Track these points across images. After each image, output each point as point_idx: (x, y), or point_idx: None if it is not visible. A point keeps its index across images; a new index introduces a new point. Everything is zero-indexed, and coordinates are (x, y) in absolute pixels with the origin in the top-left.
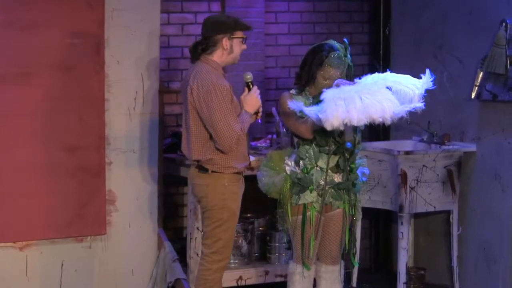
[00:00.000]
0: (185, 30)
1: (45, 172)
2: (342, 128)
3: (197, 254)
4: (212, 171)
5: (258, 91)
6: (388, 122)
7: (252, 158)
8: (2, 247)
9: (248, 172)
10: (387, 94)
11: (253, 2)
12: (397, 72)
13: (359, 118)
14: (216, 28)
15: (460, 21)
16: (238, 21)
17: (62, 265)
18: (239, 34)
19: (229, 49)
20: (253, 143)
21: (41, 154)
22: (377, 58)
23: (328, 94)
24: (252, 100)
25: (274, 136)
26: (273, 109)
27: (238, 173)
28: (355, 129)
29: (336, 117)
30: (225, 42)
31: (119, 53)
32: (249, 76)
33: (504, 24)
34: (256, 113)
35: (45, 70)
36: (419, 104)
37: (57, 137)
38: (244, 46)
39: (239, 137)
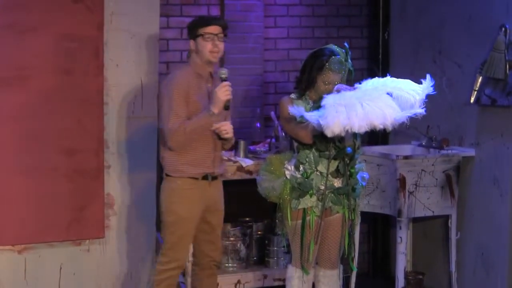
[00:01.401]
0: (184, 34)
1: (43, 175)
2: (343, 134)
3: None
4: (166, 175)
5: (224, 87)
6: (389, 128)
7: (249, 162)
8: (0, 250)
9: (247, 176)
10: (388, 100)
11: (253, 6)
12: (397, 77)
13: (360, 125)
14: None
15: (459, 26)
16: (199, 20)
17: (61, 268)
18: (199, 32)
19: (195, 49)
20: (251, 147)
21: (39, 157)
22: (376, 63)
23: (329, 100)
24: (215, 97)
25: (273, 140)
26: (272, 113)
27: (194, 178)
28: (355, 134)
29: (337, 124)
30: (192, 44)
31: (118, 57)
32: (223, 72)
33: (503, 29)
34: (225, 107)
35: (44, 73)
36: (420, 110)
37: (55, 140)
38: (208, 42)
39: (174, 133)
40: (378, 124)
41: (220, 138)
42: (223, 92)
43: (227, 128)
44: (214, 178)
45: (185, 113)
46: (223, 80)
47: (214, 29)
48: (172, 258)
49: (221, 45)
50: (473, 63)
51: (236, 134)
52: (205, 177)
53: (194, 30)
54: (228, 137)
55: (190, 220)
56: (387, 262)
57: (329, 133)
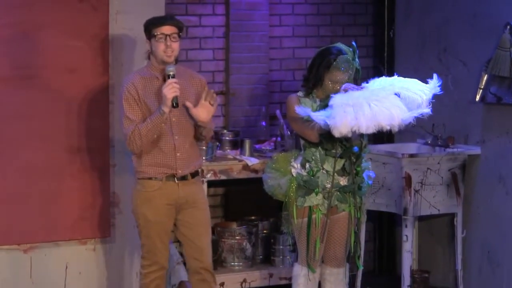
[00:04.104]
0: (190, 32)
1: (49, 174)
2: (350, 135)
3: None
4: (137, 177)
5: (169, 84)
6: (396, 129)
7: (255, 161)
8: (6, 249)
9: (253, 175)
10: (396, 101)
11: (258, 4)
12: (402, 75)
13: (367, 125)
14: None
15: (464, 24)
16: (152, 20)
17: (66, 267)
18: (153, 32)
19: (151, 50)
20: (257, 146)
21: (45, 156)
22: (381, 61)
23: (336, 100)
24: (162, 96)
25: (279, 139)
26: (278, 111)
27: (158, 179)
28: (361, 133)
29: (345, 124)
30: (147, 44)
31: (123, 56)
32: (170, 69)
33: (508, 27)
34: (173, 105)
35: (49, 72)
36: (426, 110)
37: (61, 139)
38: (161, 43)
39: (130, 137)
40: (386, 125)
41: (197, 125)
42: (169, 90)
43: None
44: (183, 178)
45: (139, 115)
46: (171, 77)
47: (166, 29)
48: (152, 261)
49: (174, 45)
50: (479, 61)
51: (241, 133)
52: (171, 178)
53: (148, 30)
54: (204, 120)
55: (158, 222)
56: (393, 260)
57: (336, 134)
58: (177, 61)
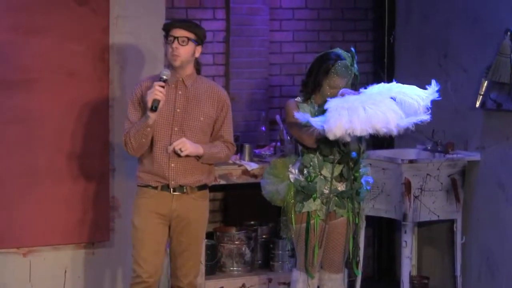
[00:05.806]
0: None
1: (49, 178)
2: (347, 138)
3: (201, 261)
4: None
5: (154, 87)
6: (394, 133)
7: (254, 166)
8: (5, 253)
9: (252, 180)
10: (391, 104)
11: (258, 10)
12: (402, 81)
13: (362, 128)
14: None
15: (465, 30)
16: (166, 23)
17: (66, 271)
18: (166, 34)
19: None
20: (257, 151)
21: (44, 160)
22: (381, 67)
23: (332, 104)
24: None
25: (278, 143)
26: (277, 116)
27: (152, 187)
28: (359, 138)
29: (339, 126)
30: (164, 48)
31: (124, 60)
32: (164, 72)
33: (508, 33)
34: (152, 108)
35: (50, 76)
36: (425, 117)
37: (61, 143)
38: (169, 46)
39: (124, 138)
40: (381, 127)
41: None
42: (151, 92)
43: (181, 146)
44: (180, 191)
45: (140, 117)
46: (163, 81)
47: (176, 32)
48: (137, 272)
49: (182, 49)
50: (479, 67)
51: (241, 137)
52: (166, 188)
53: (164, 33)
54: (187, 154)
55: (145, 232)
56: (392, 266)
57: (331, 136)
58: (198, 71)
